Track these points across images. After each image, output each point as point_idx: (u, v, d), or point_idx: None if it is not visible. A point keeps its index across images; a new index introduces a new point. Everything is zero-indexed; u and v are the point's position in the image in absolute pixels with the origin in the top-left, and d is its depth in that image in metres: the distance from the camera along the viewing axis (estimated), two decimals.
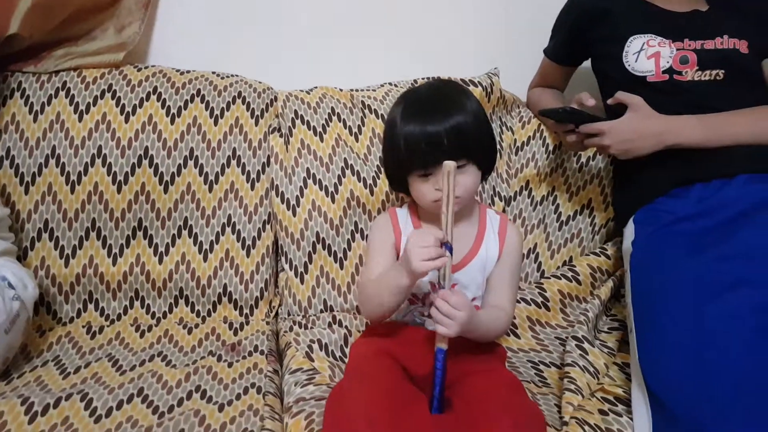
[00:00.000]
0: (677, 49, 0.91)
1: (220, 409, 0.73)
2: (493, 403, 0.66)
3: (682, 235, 0.79)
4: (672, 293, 0.72)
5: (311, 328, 0.92)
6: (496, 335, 0.78)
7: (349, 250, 0.99)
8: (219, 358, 0.84)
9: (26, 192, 0.94)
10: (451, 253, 0.66)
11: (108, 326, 0.94)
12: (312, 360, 0.83)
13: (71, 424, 0.69)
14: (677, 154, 0.85)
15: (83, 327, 0.93)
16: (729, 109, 0.86)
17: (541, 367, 0.86)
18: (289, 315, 0.98)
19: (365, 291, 0.78)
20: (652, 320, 0.73)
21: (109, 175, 0.95)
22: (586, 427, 0.69)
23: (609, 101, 0.92)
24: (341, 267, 0.99)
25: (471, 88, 1.03)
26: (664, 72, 0.90)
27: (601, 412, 0.72)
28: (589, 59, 1.06)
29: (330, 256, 0.98)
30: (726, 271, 0.69)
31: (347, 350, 0.88)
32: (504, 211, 1.06)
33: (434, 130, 0.70)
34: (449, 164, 0.64)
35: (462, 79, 1.06)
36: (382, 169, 0.91)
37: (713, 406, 0.61)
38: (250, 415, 0.72)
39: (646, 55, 0.92)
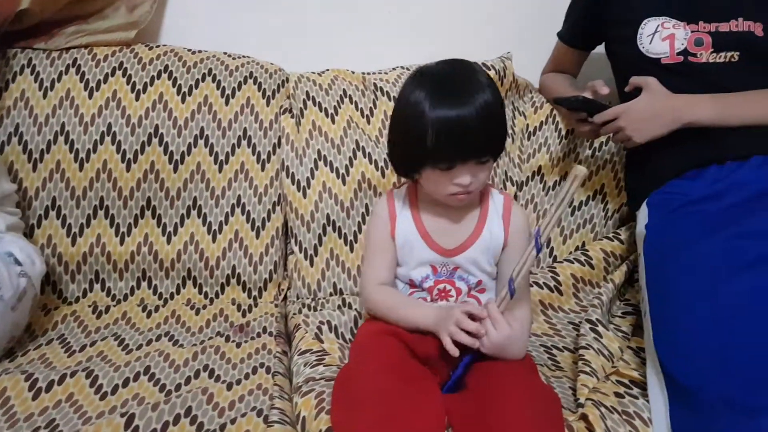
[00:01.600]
0: (692, 32, 0.90)
1: (229, 387, 0.72)
2: (508, 384, 0.65)
3: (697, 217, 0.77)
4: (686, 274, 0.70)
5: (320, 310, 0.91)
6: (530, 326, 0.78)
7: (360, 232, 0.98)
8: (227, 339, 0.83)
9: (34, 169, 0.93)
10: (539, 253, 0.65)
11: (114, 306, 0.93)
12: (321, 341, 0.82)
13: (76, 401, 0.68)
14: (692, 136, 0.84)
15: (89, 306, 0.92)
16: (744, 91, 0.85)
17: (554, 351, 0.85)
18: (298, 298, 0.97)
19: (372, 301, 0.76)
20: (666, 302, 0.72)
21: (118, 153, 0.94)
22: (602, 409, 0.67)
23: (626, 89, 0.91)
24: (351, 250, 0.97)
25: None
26: (678, 54, 0.89)
27: (617, 394, 0.71)
28: (603, 43, 1.05)
29: (340, 238, 0.97)
30: (743, 250, 0.68)
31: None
32: (516, 196, 1.05)
33: (467, 113, 0.65)
34: (581, 171, 0.62)
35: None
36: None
37: (731, 385, 0.59)
38: (259, 394, 0.70)
39: (661, 37, 0.91)
